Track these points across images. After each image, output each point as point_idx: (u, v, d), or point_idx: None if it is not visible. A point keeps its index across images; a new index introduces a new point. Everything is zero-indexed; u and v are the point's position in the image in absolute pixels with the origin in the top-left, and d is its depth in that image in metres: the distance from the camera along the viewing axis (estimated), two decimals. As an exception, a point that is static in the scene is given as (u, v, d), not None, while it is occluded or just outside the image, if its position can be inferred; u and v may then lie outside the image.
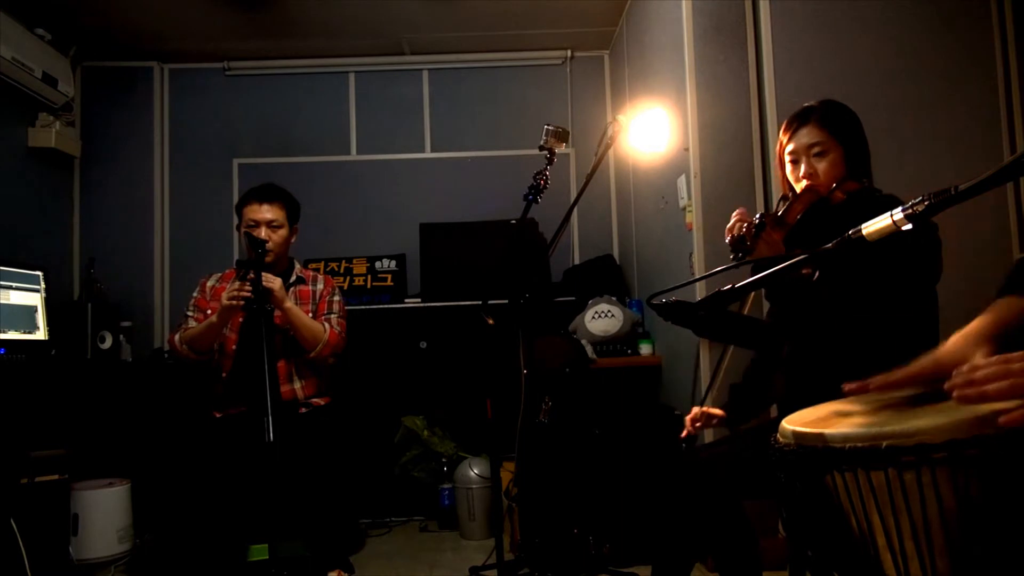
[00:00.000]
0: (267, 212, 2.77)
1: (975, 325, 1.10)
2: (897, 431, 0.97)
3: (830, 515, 1.06)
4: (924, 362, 1.08)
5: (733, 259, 1.60)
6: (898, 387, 1.09)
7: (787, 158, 1.76)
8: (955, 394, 0.93)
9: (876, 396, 1.25)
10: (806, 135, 1.71)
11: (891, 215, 0.98)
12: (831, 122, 1.71)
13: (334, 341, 2.80)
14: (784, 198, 1.77)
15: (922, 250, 1.53)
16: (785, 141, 1.77)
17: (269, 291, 2.58)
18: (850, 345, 1.59)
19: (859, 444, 0.98)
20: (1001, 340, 1.05)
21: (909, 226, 0.96)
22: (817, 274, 1.30)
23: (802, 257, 1.19)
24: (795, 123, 1.75)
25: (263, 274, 2.56)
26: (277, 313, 2.67)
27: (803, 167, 1.71)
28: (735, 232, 1.60)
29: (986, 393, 0.89)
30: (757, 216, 1.59)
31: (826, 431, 1.04)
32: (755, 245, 1.56)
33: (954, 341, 1.09)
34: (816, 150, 1.70)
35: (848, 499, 1.03)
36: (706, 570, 2.53)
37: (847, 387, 1.11)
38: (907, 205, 0.96)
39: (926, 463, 0.94)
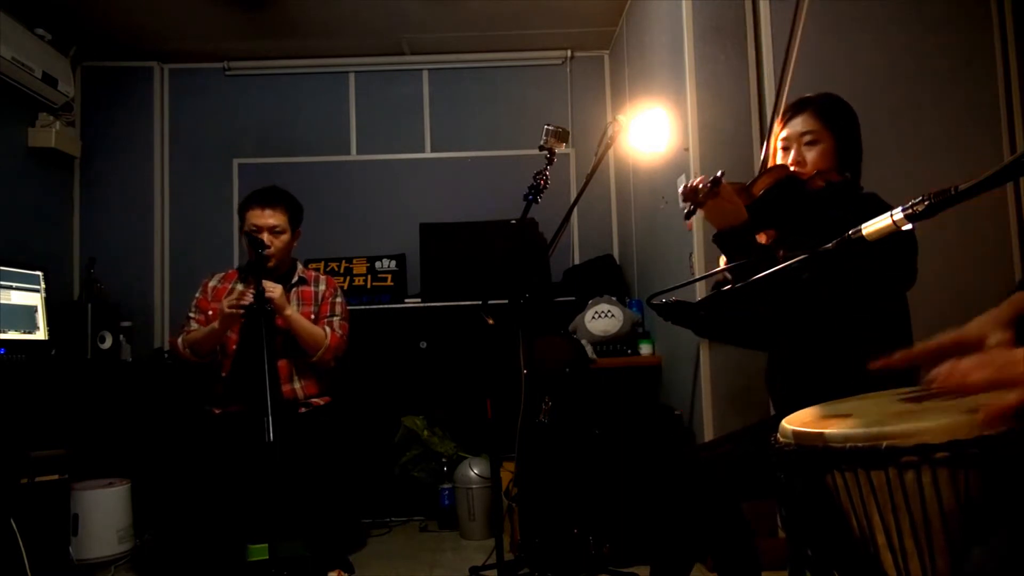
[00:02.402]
0: (269, 218, 2.77)
1: (995, 311, 1.08)
2: (897, 431, 0.97)
3: (830, 515, 1.06)
4: (946, 338, 1.04)
5: (684, 213, 1.61)
6: (921, 361, 1.04)
7: (779, 144, 1.76)
8: (936, 383, 0.92)
9: (876, 394, 1.25)
10: (800, 123, 1.71)
11: (891, 215, 0.97)
12: (826, 113, 1.71)
13: (335, 345, 2.80)
14: None
15: (895, 252, 1.51)
16: (779, 129, 1.77)
17: (268, 300, 2.57)
18: (834, 344, 1.59)
19: (859, 444, 0.98)
20: (1021, 328, 1.04)
21: (909, 226, 0.96)
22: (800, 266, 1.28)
23: (802, 258, 1.19)
24: (791, 111, 1.75)
25: (264, 282, 2.56)
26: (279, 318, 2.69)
27: (792, 154, 1.72)
28: (687, 185, 1.57)
29: (965, 382, 0.89)
30: (715, 174, 1.57)
31: (826, 431, 1.04)
32: (706, 200, 1.54)
33: (976, 322, 1.05)
34: (808, 139, 1.70)
35: (848, 499, 1.03)
36: (706, 570, 2.53)
37: (873, 366, 1.05)
38: (907, 205, 0.96)
39: (927, 463, 0.94)
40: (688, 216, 1.61)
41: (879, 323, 1.61)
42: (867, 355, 1.59)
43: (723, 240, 1.61)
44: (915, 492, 0.95)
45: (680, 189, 1.59)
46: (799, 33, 1.67)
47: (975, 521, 0.94)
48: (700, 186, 1.52)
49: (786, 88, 1.74)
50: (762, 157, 1.86)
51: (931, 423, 0.96)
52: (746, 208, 1.57)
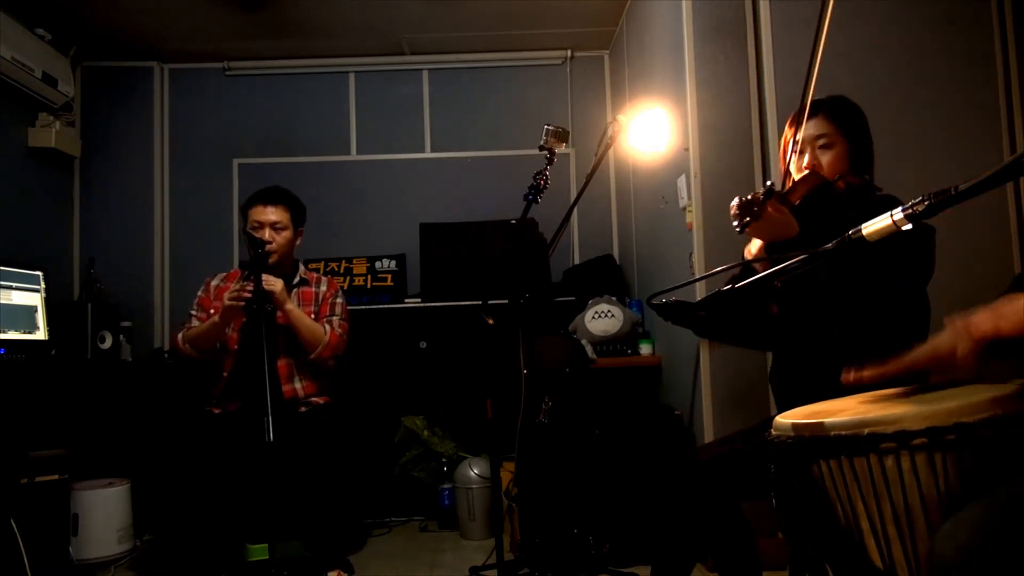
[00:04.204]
0: (271, 214, 2.79)
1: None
2: (879, 418, 1.00)
3: (818, 504, 1.08)
4: (919, 353, 1.07)
5: (737, 228, 1.53)
6: (894, 376, 1.10)
7: (789, 148, 1.76)
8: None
9: (879, 393, 1.25)
10: (813, 127, 1.72)
11: (891, 215, 0.98)
12: (839, 116, 1.72)
13: (334, 342, 2.81)
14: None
15: (915, 251, 1.52)
16: (789, 132, 1.77)
17: (270, 292, 2.60)
18: (844, 344, 1.59)
19: (843, 432, 1.02)
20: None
21: (909, 226, 0.96)
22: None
23: (801, 258, 1.19)
24: (802, 115, 1.75)
25: (265, 276, 2.57)
26: (279, 313, 2.69)
27: (807, 157, 1.72)
28: (742, 198, 1.55)
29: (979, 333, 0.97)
30: (766, 184, 1.56)
31: (813, 421, 1.07)
32: (762, 211, 1.52)
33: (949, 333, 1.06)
34: (822, 142, 1.71)
35: (834, 487, 1.05)
36: (706, 570, 2.53)
37: (845, 379, 1.12)
38: (907, 205, 0.96)
39: (905, 448, 0.97)
40: (742, 230, 1.56)
41: (883, 325, 1.61)
42: (871, 357, 1.59)
43: (775, 251, 1.58)
44: (895, 478, 0.98)
45: (733, 203, 1.54)
46: (825, 27, 1.64)
47: (954, 507, 0.95)
48: (753, 198, 1.50)
49: (811, 88, 1.70)
50: (781, 162, 1.85)
51: (912, 410, 0.99)
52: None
